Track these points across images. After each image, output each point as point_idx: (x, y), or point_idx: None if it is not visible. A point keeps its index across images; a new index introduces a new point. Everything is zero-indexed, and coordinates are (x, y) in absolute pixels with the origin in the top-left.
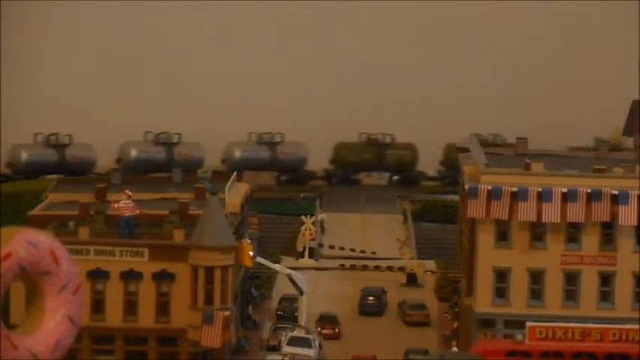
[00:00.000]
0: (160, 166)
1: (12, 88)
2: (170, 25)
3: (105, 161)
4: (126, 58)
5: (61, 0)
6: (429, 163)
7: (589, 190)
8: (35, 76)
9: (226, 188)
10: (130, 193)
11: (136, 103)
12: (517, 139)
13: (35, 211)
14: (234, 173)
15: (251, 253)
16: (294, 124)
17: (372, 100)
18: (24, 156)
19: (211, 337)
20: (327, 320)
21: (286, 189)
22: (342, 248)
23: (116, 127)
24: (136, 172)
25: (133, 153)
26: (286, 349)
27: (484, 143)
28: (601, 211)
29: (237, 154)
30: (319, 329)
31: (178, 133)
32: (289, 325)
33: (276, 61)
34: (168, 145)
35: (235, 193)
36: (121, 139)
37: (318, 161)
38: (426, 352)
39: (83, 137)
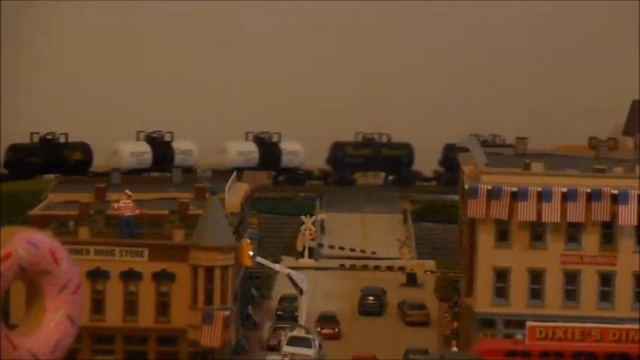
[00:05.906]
0: None
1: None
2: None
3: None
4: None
5: None
6: None
7: (589, 190)
8: None
9: (226, 188)
10: (130, 193)
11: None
12: (517, 138)
13: (35, 211)
14: (234, 173)
15: (251, 253)
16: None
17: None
18: None
19: (211, 337)
20: (327, 320)
21: (286, 189)
22: (342, 248)
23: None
24: None
25: None
26: (286, 349)
27: (484, 144)
28: (601, 211)
29: None
30: (319, 329)
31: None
32: (289, 325)
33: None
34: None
35: (235, 193)
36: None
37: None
38: (426, 352)
39: None
